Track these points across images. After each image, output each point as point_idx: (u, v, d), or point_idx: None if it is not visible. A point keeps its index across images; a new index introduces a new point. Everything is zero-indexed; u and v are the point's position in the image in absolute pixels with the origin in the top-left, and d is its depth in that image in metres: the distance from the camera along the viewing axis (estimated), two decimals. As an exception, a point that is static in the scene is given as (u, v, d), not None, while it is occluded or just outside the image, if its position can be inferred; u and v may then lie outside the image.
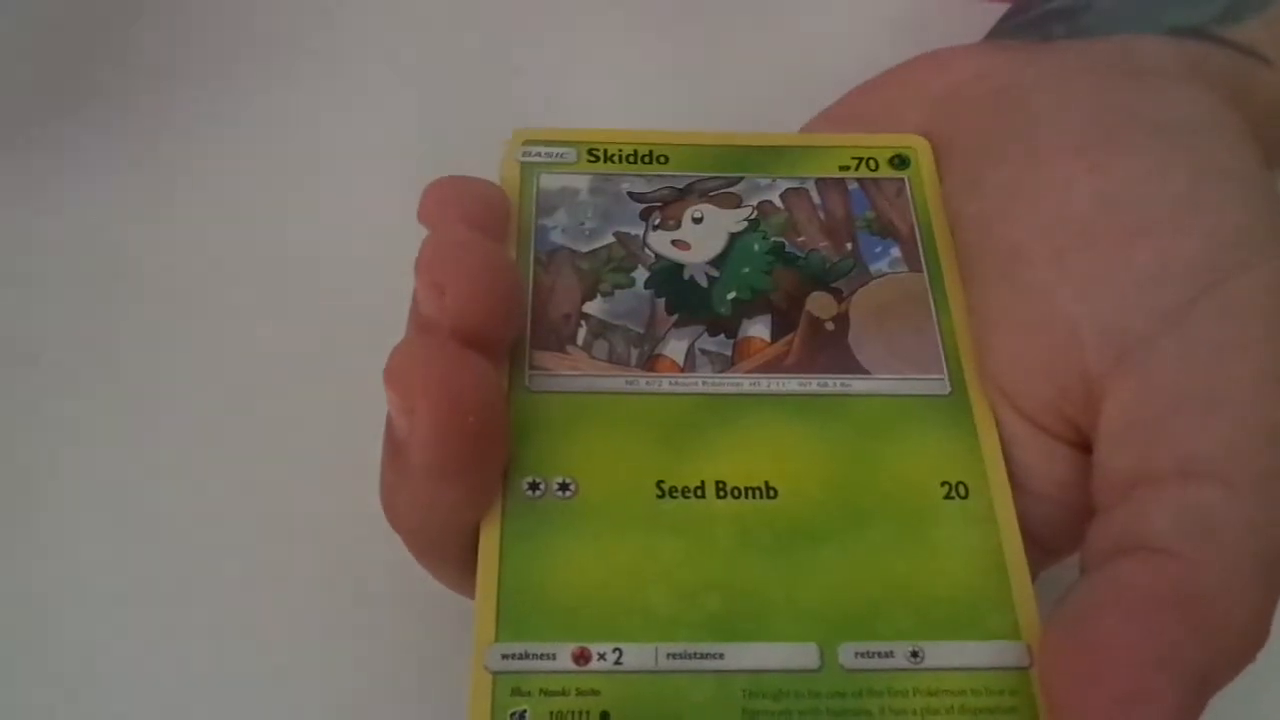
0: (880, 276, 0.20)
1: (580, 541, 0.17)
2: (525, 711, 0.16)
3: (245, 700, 0.22)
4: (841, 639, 0.17)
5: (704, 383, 0.19)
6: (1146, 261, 0.17)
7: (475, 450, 0.17)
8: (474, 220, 0.18)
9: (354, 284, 0.27)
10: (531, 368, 0.19)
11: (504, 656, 0.16)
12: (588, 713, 0.16)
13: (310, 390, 0.25)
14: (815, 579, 0.17)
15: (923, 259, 0.20)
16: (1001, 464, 0.18)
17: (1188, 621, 0.15)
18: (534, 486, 0.18)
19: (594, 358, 0.19)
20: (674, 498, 0.18)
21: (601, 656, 0.16)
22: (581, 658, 0.16)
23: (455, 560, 0.18)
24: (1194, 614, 0.15)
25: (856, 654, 0.17)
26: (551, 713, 0.16)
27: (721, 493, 0.18)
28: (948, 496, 0.18)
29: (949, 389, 0.19)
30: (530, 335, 0.19)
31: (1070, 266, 0.18)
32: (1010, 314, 0.18)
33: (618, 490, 0.18)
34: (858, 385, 0.19)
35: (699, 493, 0.18)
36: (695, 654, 0.16)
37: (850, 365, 0.19)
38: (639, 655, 0.16)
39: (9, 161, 0.29)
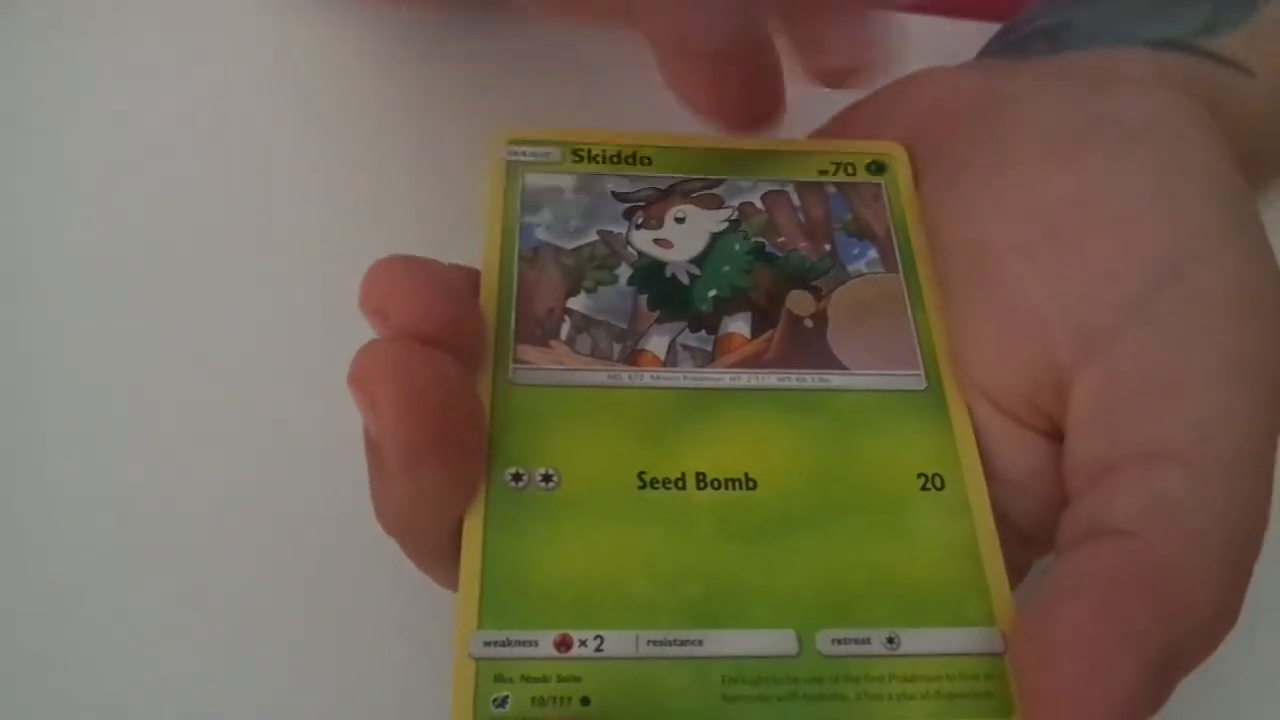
0: (858, 276, 0.21)
1: (563, 531, 0.17)
2: (508, 698, 0.16)
3: (233, 688, 0.22)
4: (819, 626, 0.17)
5: (685, 377, 0.19)
6: (1112, 254, 0.18)
7: (443, 428, 0.17)
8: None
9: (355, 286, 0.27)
10: (515, 361, 0.19)
11: (487, 644, 0.16)
12: (569, 699, 0.16)
13: (306, 389, 0.26)
14: (794, 567, 0.17)
15: (899, 260, 0.21)
16: (976, 456, 0.19)
17: (1150, 600, 0.15)
18: (517, 477, 0.18)
19: (577, 352, 0.19)
20: (655, 488, 0.18)
21: (583, 643, 0.16)
22: (563, 645, 0.16)
23: (448, 559, 0.17)
24: (1157, 593, 0.15)
25: (834, 640, 0.17)
26: (533, 699, 0.16)
27: (702, 484, 0.18)
28: (924, 488, 0.18)
29: (925, 384, 0.19)
30: (514, 329, 0.19)
31: (1038, 261, 0.18)
32: (982, 309, 0.19)
33: (600, 481, 0.18)
34: (836, 380, 0.19)
35: (680, 484, 0.18)
36: (675, 641, 0.17)
37: (829, 361, 0.20)
38: (620, 642, 0.16)
39: None
